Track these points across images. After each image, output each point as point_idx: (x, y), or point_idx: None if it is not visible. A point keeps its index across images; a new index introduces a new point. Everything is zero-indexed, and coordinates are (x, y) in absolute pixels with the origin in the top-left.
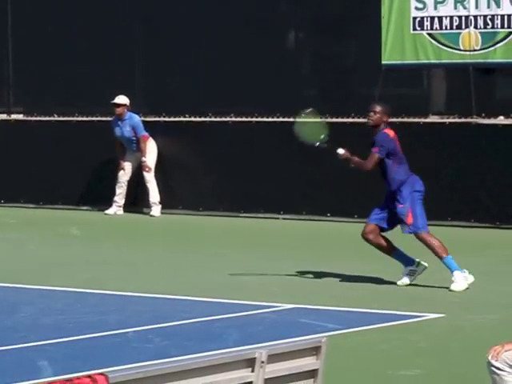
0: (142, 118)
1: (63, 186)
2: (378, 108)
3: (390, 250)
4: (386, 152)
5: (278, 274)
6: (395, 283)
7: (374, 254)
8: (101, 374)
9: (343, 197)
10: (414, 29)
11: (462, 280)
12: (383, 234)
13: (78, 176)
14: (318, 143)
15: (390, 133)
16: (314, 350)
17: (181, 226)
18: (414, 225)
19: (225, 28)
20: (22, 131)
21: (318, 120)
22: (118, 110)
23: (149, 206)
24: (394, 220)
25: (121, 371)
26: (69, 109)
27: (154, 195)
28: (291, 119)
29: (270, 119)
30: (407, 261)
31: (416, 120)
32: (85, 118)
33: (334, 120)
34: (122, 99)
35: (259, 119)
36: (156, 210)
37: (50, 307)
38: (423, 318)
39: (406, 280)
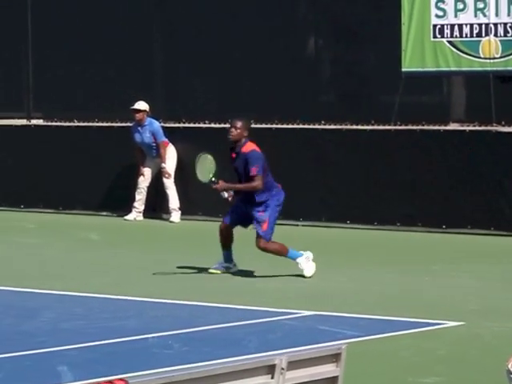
0: (162, 124)
1: (83, 191)
2: (239, 124)
3: (228, 245)
4: (261, 167)
5: (298, 280)
6: (415, 291)
7: (393, 261)
8: (121, 379)
9: (363, 204)
10: (435, 36)
11: (306, 263)
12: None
13: (97, 181)
14: (207, 181)
15: (256, 148)
16: (334, 357)
17: (200, 233)
18: (265, 233)
19: (245, 34)
20: (42, 136)
21: (207, 165)
22: (138, 116)
23: (168, 212)
24: (247, 221)
25: (140, 377)
26: (89, 114)
27: (174, 201)
28: (311, 126)
29: (290, 126)
30: (229, 259)
31: (436, 128)
32: (104, 124)
33: (354, 127)
34: (141, 105)
35: (279, 126)
36: (175, 216)
37: (70, 312)
38: (442, 326)
39: (217, 269)
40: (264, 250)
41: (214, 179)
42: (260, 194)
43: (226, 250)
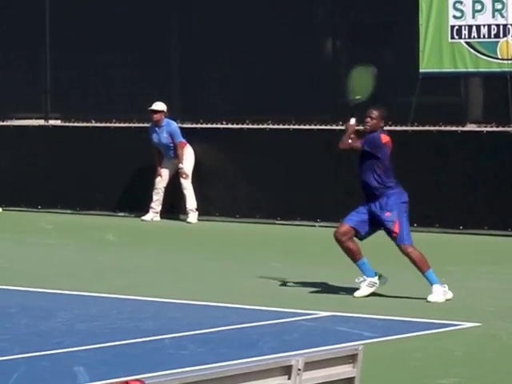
0: (180, 125)
1: (100, 191)
2: (375, 113)
3: (357, 256)
4: (371, 149)
5: (315, 281)
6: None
7: (409, 263)
8: (137, 380)
9: None
10: (452, 37)
11: (440, 293)
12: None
13: (114, 182)
14: (351, 99)
15: (384, 137)
16: (351, 358)
17: (217, 233)
18: (400, 235)
19: (262, 35)
20: (60, 137)
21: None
22: (156, 117)
23: (185, 213)
24: (374, 227)
25: (156, 377)
26: (106, 115)
27: (191, 202)
28: (328, 127)
29: (307, 126)
30: (369, 271)
31: (453, 128)
32: (122, 125)
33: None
34: (159, 106)
35: (296, 126)
36: (193, 216)
37: (86, 313)
38: (459, 327)
39: (364, 291)
40: (404, 252)
41: (358, 98)
42: (377, 189)
43: (360, 261)
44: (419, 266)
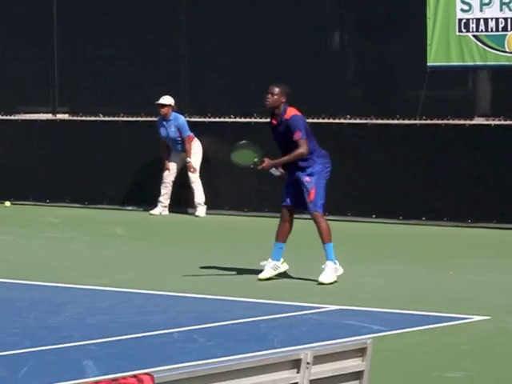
0: (187, 119)
1: (108, 185)
2: (276, 89)
3: (283, 237)
4: (306, 131)
5: None
6: (439, 285)
7: (419, 256)
8: (146, 373)
9: (388, 198)
10: (460, 31)
11: (332, 271)
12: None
13: (123, 176)
14: (251, 165)
15: (298, 112)
16: (360, 352)
17: (226, 227)
18: (314, 203)
19: (270, 29)
20: (67, 131)
21: (249, 149)
22: (163, 111)
23: (194, 207)
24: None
25: (165, 371)
26: (114, 109)
27: (199, 196)
28: (336, 120)
29: (315, 120)
30: (277, 255)
31: (461, 122)
32: (130, 118)
33: (379, 122)
34: (167, 100)
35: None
36: (201, 210)
37: (95, 307)
38: (468, 321)
39: (267, 273)
40: (314, 219)
41: (256, 160)
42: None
43: (280, 242)
44: (323, 236)
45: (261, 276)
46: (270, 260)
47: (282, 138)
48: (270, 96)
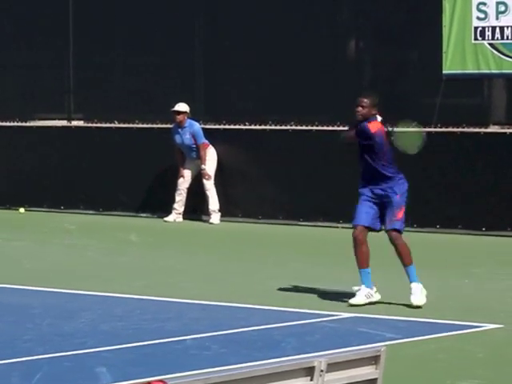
0: (202, 126)
1: (123, 192)
2: (366, 101)
3: (365, 264)
4: (364, 140)
5: (337, 282)
6: (453, 293)
7: (433, 263)
8: (160, 380)
9: None
10: (476, 39)
11: (419, 292)
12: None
13: (137, 183)
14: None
15: (373, 126)
16: (373, 359)
17: (240, 234)
18: (401, 222)
19: (285, 36)
20: (83, 138)
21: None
22: (179, 118)
23: (208, 214)
24: (382, 211)
25: (179, 378)
26: (129, 116)
27: (214, 203)
28: None
29: (330, 128)
30: (369, 282)
31: (476, 130)
32: (145, 125)
33: (394, 129)
34: (182, 107)
35: (319, 128)
36: (215, 217)
37: (109, 313)
38: (482, 329)
39: (361, 300)
40: (395, 244)
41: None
42: (386, 176)
43: (364, 270)
44: (404, 258)
45: (352, 301)
46: (362, 287)
47: (363, 148)
48: (360, 108)
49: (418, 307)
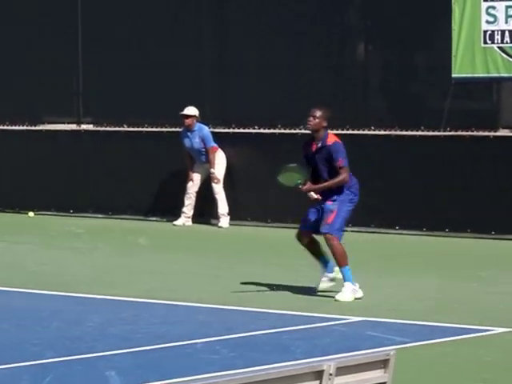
0: (211, 130)
1: (132, 196)
2: (318, 112)
3: (319, 255)
4: (337, 156)
5: None
6: (462, 296)
7: (442, 267)
8: None
9: (411, 210)
10: (485, 42)
11: (349, 292)
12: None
13: (146, 187)
14: (294, 185)
15: (338, 139)
16: (383, 363)
17: (249, 238)
18: (331, 225)
19: (294, 41)
20: (92, 141)
21: (296, 172)
22: (188, 122)
23: (217, 218)
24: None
25: (188, 382)
26: (138, 119)
27: (223, 206)
28: (360, 132)
29: (340, 131)
30: (330, 267)
31: (486, 133)
32: (154, 129)
33: (404, 133)
34: (191, 110)
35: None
36: (224, 221)
37: (118, 317)
38: (491, 332)
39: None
40: (329, 243)
41: (299, 182)
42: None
43: (321, 256)
44: (339, 260)
45: (339, 298)
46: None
47: (321, 163)
48: (311, 119)
49: (337, 301)
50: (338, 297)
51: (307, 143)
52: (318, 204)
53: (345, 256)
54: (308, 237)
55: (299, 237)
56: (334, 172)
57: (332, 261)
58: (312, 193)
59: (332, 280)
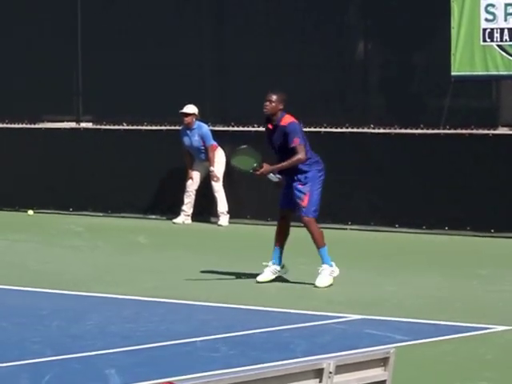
0: (211, 128)
1: (131, 194)
2: (274, 97)
3: (281, 242)
4: (303, 138)
5: (346, 284)
6: (462, 295)
7: (442, 265)
8: (169, 382)
9: (411, 208)
10: (484, 40)
11: (327, 275)
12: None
13: (146, 185)
14: (251, 170)
15: (294, 119)
16: (382, 361)
17: (248, 236)
18: (307, 209)
19: (293, 39)
20: (91, 140)
21: (248, 154)
22: (187, 120)
23: (217, 216)
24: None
25: (188, 380)
26: (138, 117)
27: (222, 205)
28: (359, 130)
29: (339, 130)
30: (279, 260)
31: (485, 132)
32: (153, 127)
33: (403, 131)
34: (190, 108)
35: (328, 129)
36: (224, 219)
37: (118, 315)
38: (491, 331)
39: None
40: (306, 226)
41: (255, 165)
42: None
43: (279, 246)
44: (317, 241)
45: (318, 284)
46: (270, 263)
47: (278, 144)
48: (268, 103)
49: (317, 287)
50: (317, 283)
51: (266, 127)
52: (286, 188)
53: (322, 237)
54: (286, 216)
55: (280, 217)
56: (291, 153)
57: (283, 257)
58: (271, 174)
59: (275, 274)
